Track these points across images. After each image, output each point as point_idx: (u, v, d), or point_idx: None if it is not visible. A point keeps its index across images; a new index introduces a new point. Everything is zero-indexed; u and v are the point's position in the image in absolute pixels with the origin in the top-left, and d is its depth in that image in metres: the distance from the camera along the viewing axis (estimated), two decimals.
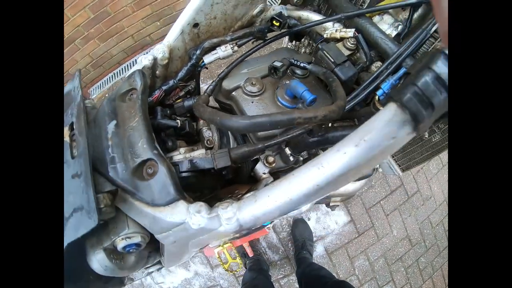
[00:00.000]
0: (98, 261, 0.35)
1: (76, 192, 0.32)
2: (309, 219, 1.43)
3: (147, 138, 0.35)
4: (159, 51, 0.45)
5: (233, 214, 0.29)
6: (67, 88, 0.42)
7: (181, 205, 0.31)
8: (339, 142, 0.25)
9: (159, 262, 0.56)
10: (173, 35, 0.45)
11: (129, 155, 0.34)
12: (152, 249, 0.46)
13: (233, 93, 0.47)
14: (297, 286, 1.36)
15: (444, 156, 1.52)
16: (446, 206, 1.51)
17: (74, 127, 0.37)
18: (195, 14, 0.44)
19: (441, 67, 0.20)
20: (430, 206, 1.49)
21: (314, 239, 1.40)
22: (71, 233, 0.32)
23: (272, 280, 1.27)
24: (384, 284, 1.43)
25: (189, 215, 0.30)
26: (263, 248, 1.44)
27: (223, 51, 0.46)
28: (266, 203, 0.27)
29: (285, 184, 0.27)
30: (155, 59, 0.45)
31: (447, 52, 0.20)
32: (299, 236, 1.35)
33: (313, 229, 1.41)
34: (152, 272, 0.62)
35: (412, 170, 1.47)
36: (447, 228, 1.50)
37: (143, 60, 0.45)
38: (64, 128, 0.39)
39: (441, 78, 0.20)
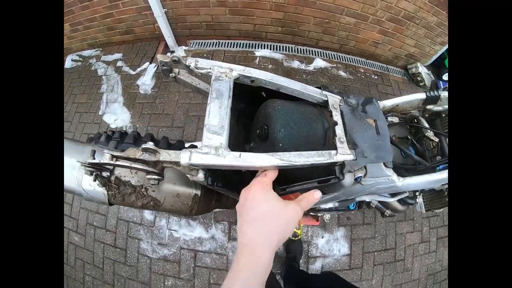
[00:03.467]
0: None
1: (372, 143, 0.87)
2: (322, 237, 2.24)
3: None
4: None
5: (403, 180, 1.11)
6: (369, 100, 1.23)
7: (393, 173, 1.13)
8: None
9: None
10: (389, 103, 1.31)
11: None
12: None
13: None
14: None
15: (432, 244, 2.48)
16: (417, 284, 2.35)
17: (378, 121, 1.13)
18: (399, 102, 1.32)
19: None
20: (406, 277, 2.32)
21: (318, 255, 2.20)
22: (362, 160, 0.85)
23: None
24: None
25: (394, 175, 1.11)
26: None
27: (395, 119, 1.34)
28: (411, 180, 1.12)
29: (418, 177, 1.12)
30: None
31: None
32: (293, 250, 2.14)
33: (321, 246, 2.21)
34: None
35: (407, 242, 2.39)
36: None
37: None
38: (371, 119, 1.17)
39: None
